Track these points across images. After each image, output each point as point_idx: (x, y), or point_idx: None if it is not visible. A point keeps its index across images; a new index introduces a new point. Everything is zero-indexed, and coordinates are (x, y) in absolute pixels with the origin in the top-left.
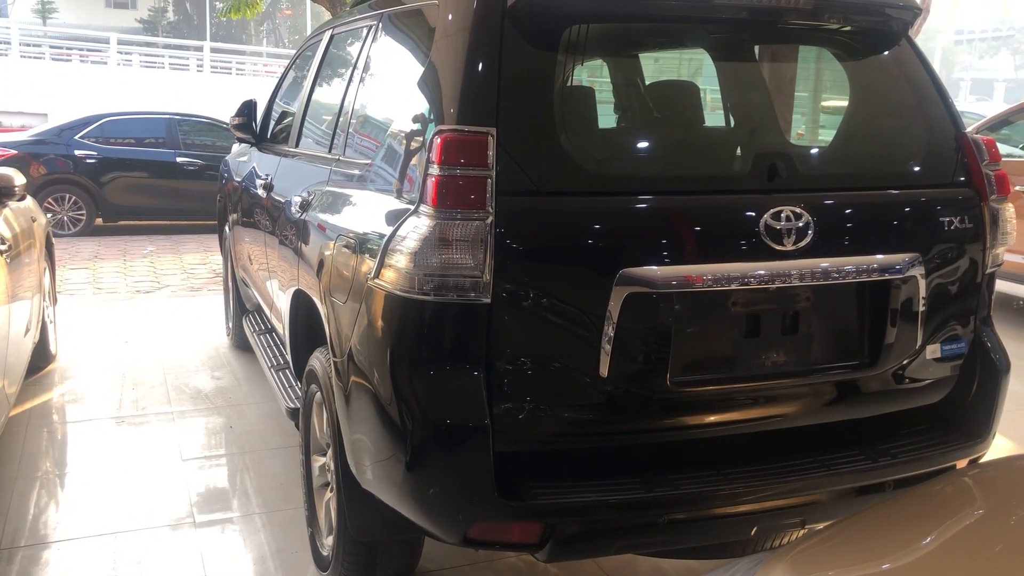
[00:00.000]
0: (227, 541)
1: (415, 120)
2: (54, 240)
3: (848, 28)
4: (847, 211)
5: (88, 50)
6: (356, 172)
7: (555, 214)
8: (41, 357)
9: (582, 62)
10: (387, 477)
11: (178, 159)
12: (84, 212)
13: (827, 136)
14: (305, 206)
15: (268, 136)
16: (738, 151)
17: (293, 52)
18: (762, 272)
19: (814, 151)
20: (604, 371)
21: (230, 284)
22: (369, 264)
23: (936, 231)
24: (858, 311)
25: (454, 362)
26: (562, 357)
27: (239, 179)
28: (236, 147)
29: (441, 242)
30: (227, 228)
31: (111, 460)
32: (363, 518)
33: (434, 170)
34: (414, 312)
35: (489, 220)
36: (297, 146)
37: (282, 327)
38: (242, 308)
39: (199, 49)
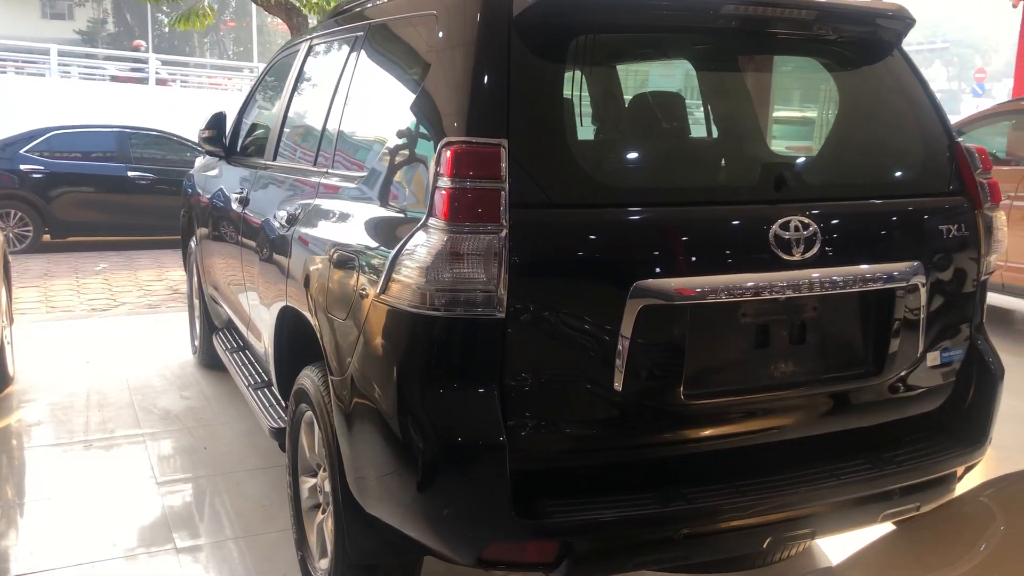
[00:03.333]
0: (210, 567)
1: (415, 133)
2: None
3: (845, 38)
4: (851, 220)
5: (24, 61)
6: (348, 185)
7: (569, 226)
8: None
9: (591, 72)
10: (395, 499)
11: (129, 173)
12: (31, 228)
13: (827, 146)
14: (291, 220)
15: (239, 149)
16: (746, 162)
17: (237, 63)
18: (775, 282)
19: (816, 161)
20: (618, 385)
21: (196, 301)
22: (371, 279)
23: (934, 239)
24: (862, 320)
25: (467, 379)
26: (576, 371)
27: (208, 193)
28: (201, 160)
29: (453, 256)
30: (193, 243)
31: (81, 486)
32: (364, 541)
33: (444, 183)
34: (425, 328)
35: (503, 233)
36: (275, 159)
37: (262, 345)
38: (211, 325)
39: (143, 61)
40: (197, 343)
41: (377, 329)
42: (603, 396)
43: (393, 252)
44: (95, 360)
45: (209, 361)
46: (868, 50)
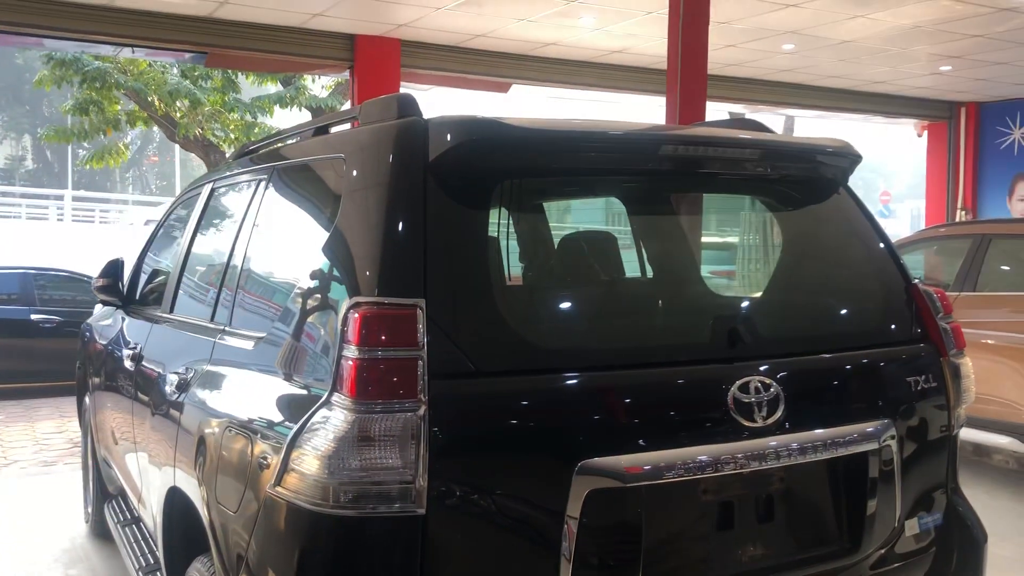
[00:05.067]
0: None
1: (321, 291)
2: None
3: (788, 177)
4: (815, 377)
5: None
6: (247, 348)
7: (499, 399)
8: None
9: (519, 220)
10: None
11: (33, 316)
12: None
13: (779, 294)
14: (183, 386)
15: (137, 298)
16: (694, 315)
17: (160, 200)
18: (737, 452)
19: (770, 310)
20: None
21: (90, 462)
22: (265, 468)
23: (901, 393)
24: (832, 488)
25: None
26: (516, 573)
27: (103, 344)
28: (100, 308)
29: (362, 440)
30: (87, 399)
31: None
32: None
33: (351, 352)
34: (328, 531)
35: (421, 411)
36: (172, 311)
37: (152, 522)
38: (104, 492)
39: (59, 198)
40: (90, 510)
41: (272, 528)
42: None
43: (290, 435)
44: None
45: (102, 530)
46: (812, 189)
